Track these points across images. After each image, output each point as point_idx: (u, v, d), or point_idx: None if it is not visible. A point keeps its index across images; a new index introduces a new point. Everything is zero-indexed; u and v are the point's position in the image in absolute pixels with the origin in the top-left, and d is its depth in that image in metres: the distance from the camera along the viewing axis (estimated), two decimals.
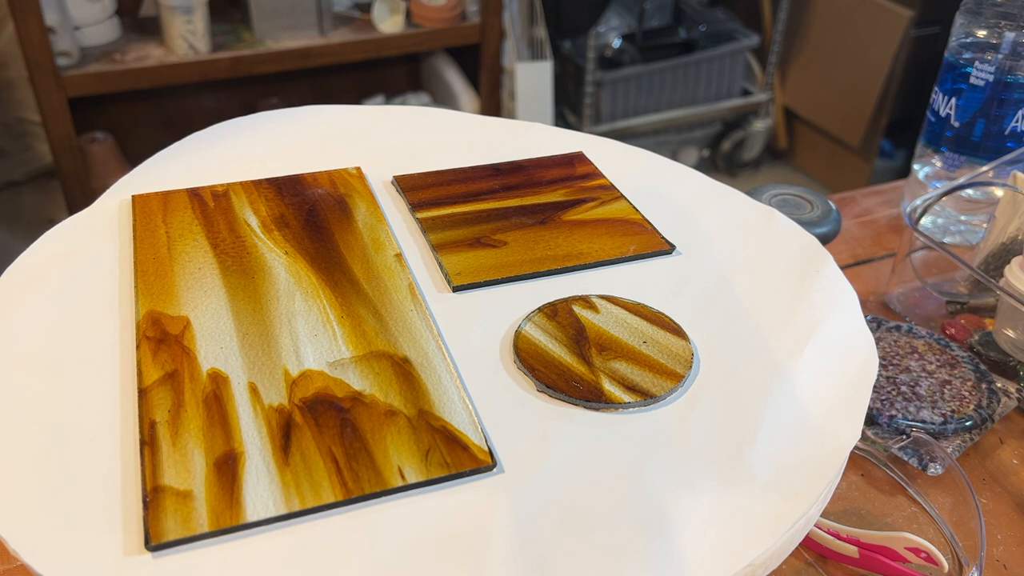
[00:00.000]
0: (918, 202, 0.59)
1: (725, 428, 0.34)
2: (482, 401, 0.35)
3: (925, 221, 0.70)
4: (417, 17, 1.66)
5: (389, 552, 0.29)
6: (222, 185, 0.48)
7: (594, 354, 0.37)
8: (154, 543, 0.28)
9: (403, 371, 0.36)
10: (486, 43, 1.70)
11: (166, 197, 0.46)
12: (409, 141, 0.54)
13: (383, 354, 0.37)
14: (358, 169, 0.50)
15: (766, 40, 2.12)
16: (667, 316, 0.40)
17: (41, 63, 1.38)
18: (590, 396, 0.35)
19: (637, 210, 0.48)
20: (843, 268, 0.69)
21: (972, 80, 0.65)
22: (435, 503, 0.31)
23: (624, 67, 1.95)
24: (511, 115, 1.90)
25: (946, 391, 0.53)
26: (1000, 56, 0.64)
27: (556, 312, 0.40)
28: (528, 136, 0.55)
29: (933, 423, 0.51)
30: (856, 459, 0.51)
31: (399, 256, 0.43)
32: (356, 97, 1.90)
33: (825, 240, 0.55)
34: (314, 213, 0.46)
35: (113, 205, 0.46)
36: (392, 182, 0.50)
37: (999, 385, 0.55)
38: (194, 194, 0.47)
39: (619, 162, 0.53)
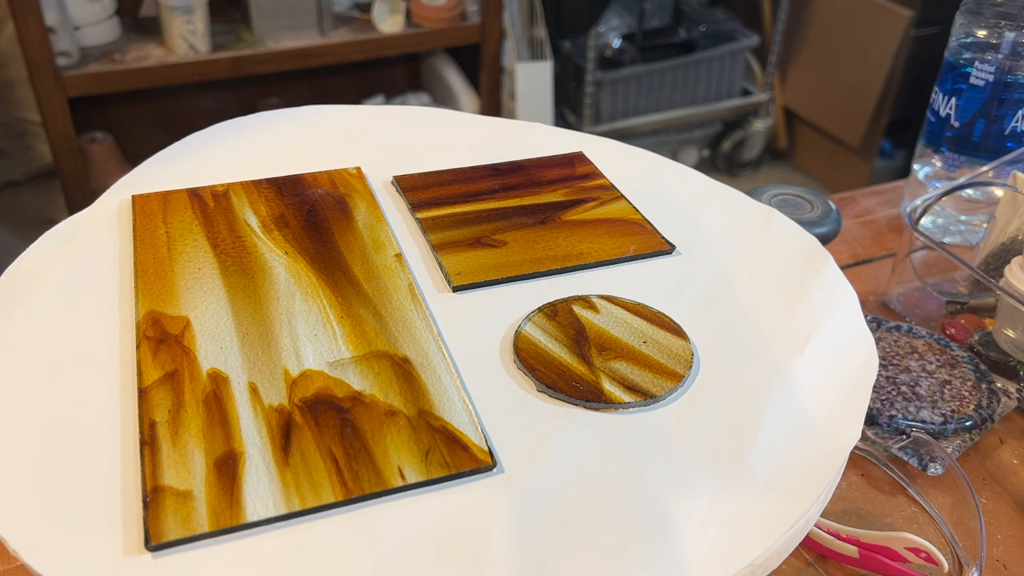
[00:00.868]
0: (918, 202, 0.59)
1: (725, 428, 0.34)
2: (482, 401, 0.35)
3: (925, 221, 0.70)
4: (417, 17, 1.66)
5: (389, 552, 0.29)
6: (222, 185, 0.48)
7: (594, 354, 0.37)
8: (154, 543, 0.28)
9: (403, 371, 0.36)
10: (486, 43, 1.70)
11: (166, 197, 0.46)
12: (409, 141, 0.54)
13: (383, 354, 0.37)
14: (358, 169, 0.50)
15: (766, 40, 2.12)
16: (667, 316, 0.40)
17: (41, 63, 1.38)
18: (590, 396, 0.35)
19: (637, 210, 0.48)
20: (843, 268, 0.69)
21: (972, 80, 0.65)
22: (435, 503, 0.31)
23: (624, 67, 1.95)
24: (511, 115, 1.90)
25: (946, 391, 0.53)
26: (1000, 56, 0.64)
27: (556, 312, 0.40)
28: (528, 136, 0.55)
29: (933, 423, 0.51)
30: (856, 459, 0.51)
31: (399, 256, 0.43)
32: (356, 97, 1.90)
33: (825, 240, 0.55)
34: (314, 213, 0.46)
35: (113, 205, 0.46)
36: (392, 182, 0.50)
37: (999, 385, 0.55)
38: (194, 194, 0.47)
39: (619, 162, 0.53)
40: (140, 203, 0.46)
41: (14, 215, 1.69)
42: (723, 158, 2.17)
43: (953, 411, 0.52)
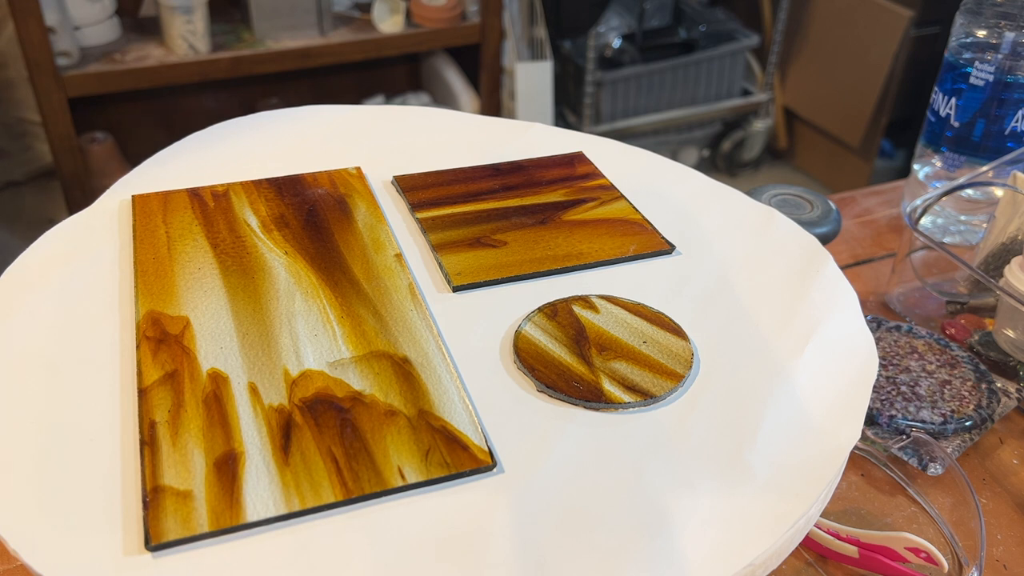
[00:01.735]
0: (918, 202, 0.59)
1: (725, 428, 0.34)
2: (482, 401, 0.35)
3: (925, 221, 0.70)
4: (417, 17, 1.66)
5: (389, 552, 0.29)
6: (222, 185, 0.48)
7: (594, 354, 0.37)
8: (154, 543, 0.28)
9: (403, 371, 0.36)
10: (486, 43, 1.70)
11: (166, 197, 0.46)
12: (409, 141, 0.54)
13: (383, 354, 0.37)
14: (358, 169, 0.50)
15: (766, 40, 2.12)
16: (667, 316, 0.40)
17: (41, 63, 1.38)
18: (590, 396, 0.35)
19: (637, 210, 0.48)
20: (843, 268, 0.69)
21: (972, 80, 0.65)
22: (435, 503, 0.31)
23: (624, 67, 1.95)
24: (511, 115, 1.90)
25: (946, 391, 0.53)
26: (1000, 56, 0.64)
27: (556, 312, 0.40)
28: (528, 136, 0.55)
29: (933, 423, 0.51)
30: (856, 459, 0.51)
31: (399, 256, 0.43)
32: (356, 97, 1.90)
33: (825, 240, 0.55)
34: (314, 213, 0.46)
35: (113, 205, 0.46)
36: (392, 182, 0.50)
37: (999, 385, 0.55)
38: (194, 194, 0.47)
39: (619, 162, 0.53)
40: (140, 203, 0.46)
41: (14, 215, 1.69)
42: (723, 158, 2.17)
43: (953, 411, 0.52)
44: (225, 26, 1.61)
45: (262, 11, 1.55)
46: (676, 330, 0.39)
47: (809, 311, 0.41)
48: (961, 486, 0.47)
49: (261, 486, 0.30)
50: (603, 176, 0.51)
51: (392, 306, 0.39)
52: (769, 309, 0.41)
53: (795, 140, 2.25)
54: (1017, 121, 0.65)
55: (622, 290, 0.42)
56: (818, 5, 2.04)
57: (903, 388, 0.54)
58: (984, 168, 0.62)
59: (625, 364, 0.37)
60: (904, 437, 0.50)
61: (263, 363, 0.36)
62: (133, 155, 1.71)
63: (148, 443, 0.32)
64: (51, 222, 1.64)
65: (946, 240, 0.70)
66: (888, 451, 0.50)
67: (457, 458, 0.32)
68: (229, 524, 0.29)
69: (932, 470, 0.48)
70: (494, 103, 1.78)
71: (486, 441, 0.33)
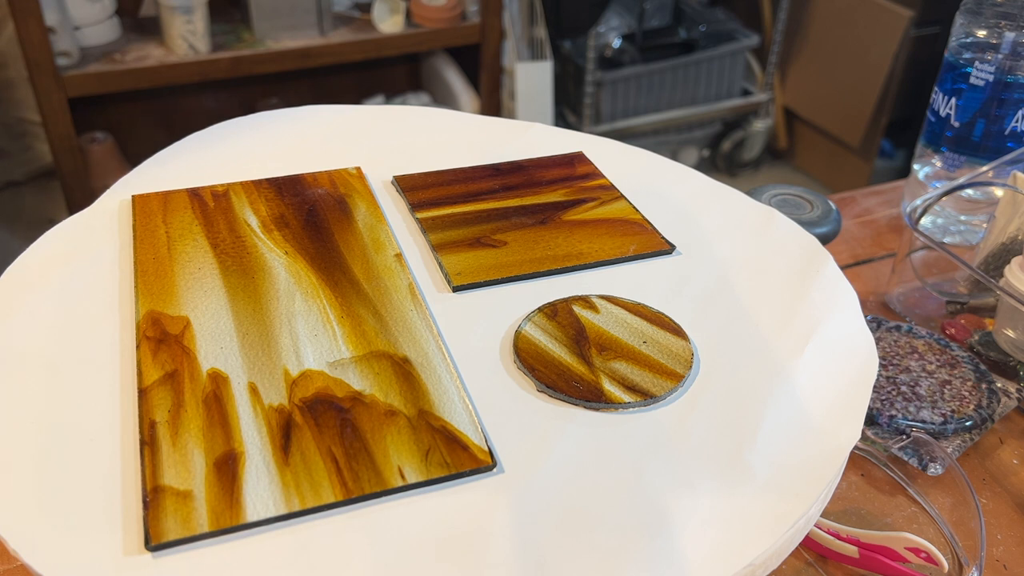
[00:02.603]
0: (918, 202, 0.59)
1: (725, 428, 0.34)
2: (482, 401, 0.35)
3: (925, 221, 0.70)
4: (417, 17, 1.66)
5: (389, 552, 0.29)
6: (222, 185, 0.48)
7: (594, 354, 0.37)
8: (154, 543, 0.28)
9: (403, 371, 0.36)
10: (486, 43, 1.70)
11: (166, 197, 0.46)
12: (409, 141, 0.54)
13: (383, 354, 0.37)
14: (358, 169, 0.50)
15: (766, 40, 2.12)
16: (667, 316, 0.40)
17: (41, 63, 1.38)
18: (590, 396, 0.35)
19: (637, 210, 0.48)
20: (843, 268, 0.69)
21: (972, 80, 0.65)
22: (435, 503, 0.31)
23: (624, 67, 1.95)
24: (511, 115, 1.90)
25: (946, 391, 0.53)
26: (1000, 56, 0.64)
27: (556, 312, 0.40)
28: (528, 136, 0.55)
29: (933, 423, 0.51)
30: (856, 459, 0.51)
31: (399, 256, 0.43)
32: (356, 97, 1.90)
33: (825, 240, 0.55)
34: (314, 213, 0.46)
35: (113, 205, 0.46)
36: (392, 182, 0.50)
37: (999, 385, 0.55)
38: (194, 194, 0.47)
39: (619, 162, 0.53)
40: (140, 203, 0.46)
41: (14, 215, 1.69)
42: (723, 158, 2.17)
43: (953, 411, 0.52)
44: (225, 26, 1.61)
45: (262, 11, 1.55)
46: (676, 330, 0.39)
47: (809, 311, 0.41)
48: (961, 486, 0.47)
49: (261, 486, 0.30)
50: (603, 176, 0.51)
51: (392, 306, 0.39)
52: (769, 309, 0.41)
53: (795, 140, 2.25)
54: (1017, 121, 0.65)
55: (622, 290, 0.42)
56: (818, 5, 2.04)
57: (903, 388, 0.54)
58: (984, 168, 0.62)
59: (625, 364, 0.37)
60: (904, 437, 0.50)
61: (263, 363, 0.36)
62: (133, 155, 1.71)
63: (148, 443, 0.32)
64: (51, 222, 1.64)
65: (946, 240, 0.70)
66: (888, 451, 0.50)
67: (457, 458, 0.32)
68: (229, 524, 0.29)
69: (932, 470, 0.48)
70: (494, 103, 1.78)
71: (486, 441, 0.33)
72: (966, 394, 0.53)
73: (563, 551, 0.29)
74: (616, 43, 1.98)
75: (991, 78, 0.64)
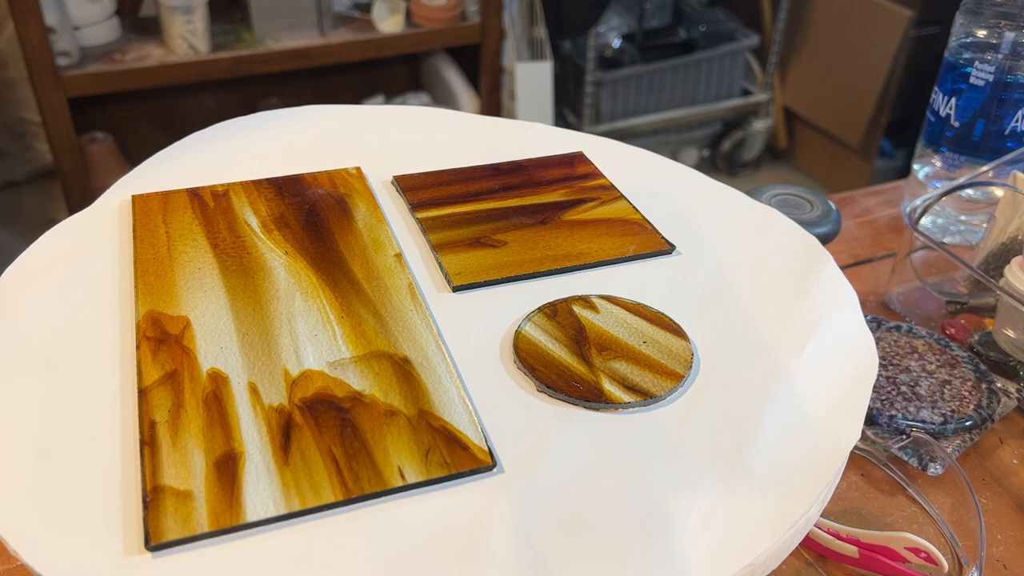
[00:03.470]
0: (918, 202, 0.59)
1: (725, 428, 0.34)
2: (482, 401, 0.35)
3: (925, 221, 0.70)
4: (417, 17, 1.66)
5: (389, 552, 0.29)
6: (222, 185, 0.48)
7: (594, 354, 0.37)
8: (154, 543, 0.28)
9: (403, 371, 0.36)
10: (486, 43, 1.70)
11: (166, 197, 0.46)
12: (409, 141, 0.54)
13: (383, 354, 0.37)
14: (358, 169, 0.50)
15: (766, 40, 2.12)
16: (667, 316, 0.40)
17: (41, 63, 1.38)
18: (590, 396, 0.35)
19: (637, 210, 0.48)
20: (843, 268, 0.69)
21: (972, 80, 0.65)
22: (435, 503, 0.31)
23: (624, 67, 1.95)
24: (511, 115, 1.90)
25: (946, 391, 0.53)
26: (1000, 56, 0.64)
27: (556, 312, 0.40)
28: (528, 136, 0.55)
29: (933, 423, 0.51)
30: (856, 459, 0.51)
31: (399, 256, 0.43)
32: (356, 97, 1.90)
33: (825, 240, 0.55)
34: (314, 213, 0.46)
35: (113, 205, 0.46)
36: (392, 182, 0.50)
37: (999, 385, 0.55)
38: (194, 194, 0.47)
39: (619, 162, 0.53)
40: (140, 203, 0.46)
41: (14, 215, 1.69)
42: (723, 158, 2.17)
43: (953, 411, 0.52)
44: (225, 26, 1.61)
45: (262, 11, 1.55)
46: (676, 330, 0.39)
47: (809, 311, 0.41)
48: (961, 486, 0.47)
49: (261, 486, 0.30)
50: (603, 176, 0.51)
51: (392, 306, 0.39)
52: (769, 309, 0.41)
53: (795, 140, 2.25)
54: (1017, 121, 0.65)
55: (622, 290, 0.42)
56: (818, 5, 2.04)
57: (903, 388, 0.54)
58: (984, 168, 0.62)
59: (625, 364, 0.37)
60: (904, 437, 0.50)
61: (263, 363, 0.36)
62: (133, 155, 1.71)
63: (148, 443, 0.32)
64: (51, 222, 1.64)
65: (946, 240, 0.70)
66: (888, 451, 0.50)
67: (457, 458, 0.32)
68: (229, 524, 0.29)
69: (932, 470, 0.48)
70: (494, 103, 1.78)
71: (486, 441, 0.33)
72: (966, 394, 0.53)
73: (563, 551, 0.29)
74: (616, 43, 1.98)
75: (991, 78, 0.64)
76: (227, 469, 0.31)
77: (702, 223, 0.47)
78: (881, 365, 0.55)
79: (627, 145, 0.54)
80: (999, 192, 0.62)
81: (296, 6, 1.57)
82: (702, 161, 2.19)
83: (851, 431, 0.34)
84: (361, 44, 1.61)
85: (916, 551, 0.43)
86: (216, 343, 0.37)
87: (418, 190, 0.48)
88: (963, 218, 0.70)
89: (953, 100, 0.67)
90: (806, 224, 0.55)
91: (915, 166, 0.72)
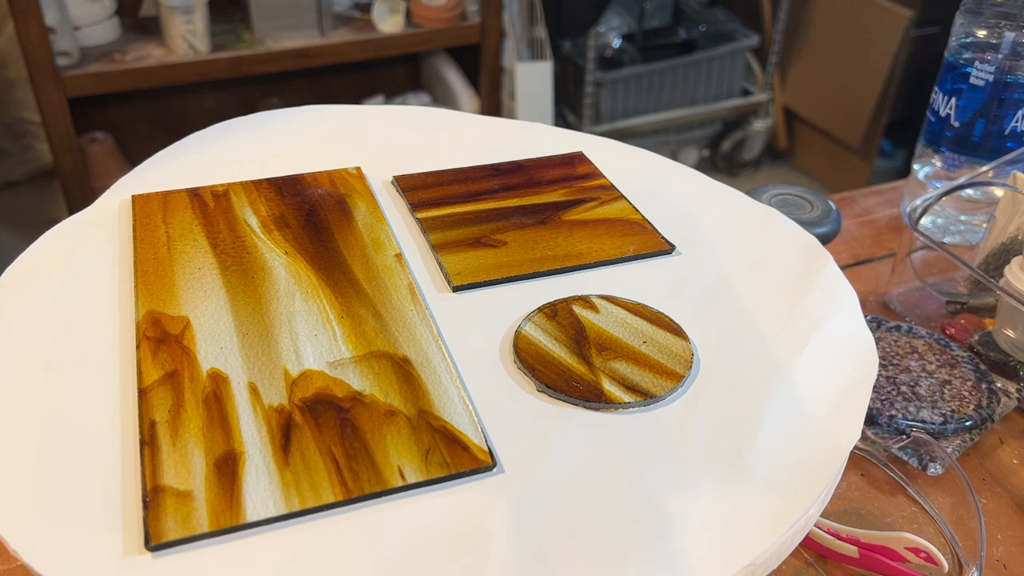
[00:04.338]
0: (918, 202, 0.59)
1: (725, 428, 0.34)
2: (482, 401, 0.35)
3: (925, 221, 0.70)
4: (417, 17, 1.66)
5: (389, 552, 0.29)
6: (222, 185, 0.48)
7: (594, 354, 0.37)
8: (154, 543, 0.28)
9: (403, 371, 0.36)
10: (486, 43, 1.70)
11: (166, 197, 0.46)
12: (409, 141, 0.54)
13: (383, 354, 0.37)
14: (358, 169, 0.50)
15: (766, 40, 2.12)
16: (667, 316, 0.40)
17: (41, 63, 1.38)
18: (590, 396, 0.35)
19: (637, 210, 0.48)
20: (843, 268, 0.69)
21: (972, 80, 0.65)
22: (435, 503, 0.31)
23: (624, 67, 1.95)
24: (511, 115, 1.90)
25: (946, 391, 0.53)
26: (1000, 56, 0.64)
27: (556, 312, 0.40)
28: (528, 136, 0.55)
29: (933, 423, 0.51)
30: (856, 459, 0.51)
31: (399, 256, 0.43)
32: (356, 97, 1.90)
33: (825, 240, 0.55)
34: (314, 213, 0.46)
35: (113, 205, 0.46)
36: (392, 182, 0.50)
37: (999, 385, 0.55)
38: (194, 194, 0.47)
39: (619, 162, 0.53)
40: (140, 203, 0.46)
41: (14, 215, 1.69)
42: (723, 158, 2.17)
43: (953, 411, 0.52)
44: (225, 26, 1.61)
45: (262, 11, 1.55)
46: (676, 330, 0.39)
47: (809, 311, 0.41)
48: (961, 486, 0.47)
49: (261, 486, 0.30)
50: (603, 176, 0.51)
51: (392, 306, 0.39)
52: (769, 309, 0.41)
53: (795, 140, 2.25)
54: (1017, 121, 0.65)
55: (622, 290, 0.42)
56: (818, 5, 2.04)
57: (903, 388, 0.54)
58: (984, 168, 0.62)
59: (625, 364, 0.37)
60: (904, 437, 0.50)
61: (263, 363, 0.36)
62: (133, 155, 1.71)
63: (148, 443, 0.32)
64: (51, 222, 1.63)
65: (946, 240, 0.70)
66: (888, 451, 0.50)
67: (457, 458, 0.32)
68: (229, 524, 0.29)
69: (932, 470, 0.48)
70: (494, 103, 1.78)
71: (486, 441, 0.33)
72: (966, 394, 0.53)
73: (563, 551, 0.29)
74: (616, 43, 1.98)
75: (991, 78, 0.64)
76: (227, 469, 0.31)
77: (702, 223, 0.47)
78: (881, 365, 0.56)
79: (627, 145, 0.54)
80: (999, 192, 0.62)
81: (296, 6, 1.57)
82: (702, 161, 2.19)
83: (851, 431, 0.34)
84: (361, 44, 1.61)
85: (916, 551, 0.43)
86: (216, 343, 0.37)
87: (418, 190, 0.48)
88: (963, 218, 0.70)
89: (953, 100, 0.67)
90: (806, 224, 0.55)
91: (915, 166, 0.72)
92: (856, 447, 0.51)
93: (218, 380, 0.35)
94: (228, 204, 0.46)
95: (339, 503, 0.30)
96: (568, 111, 2.05)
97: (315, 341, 0.37)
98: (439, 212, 0.47)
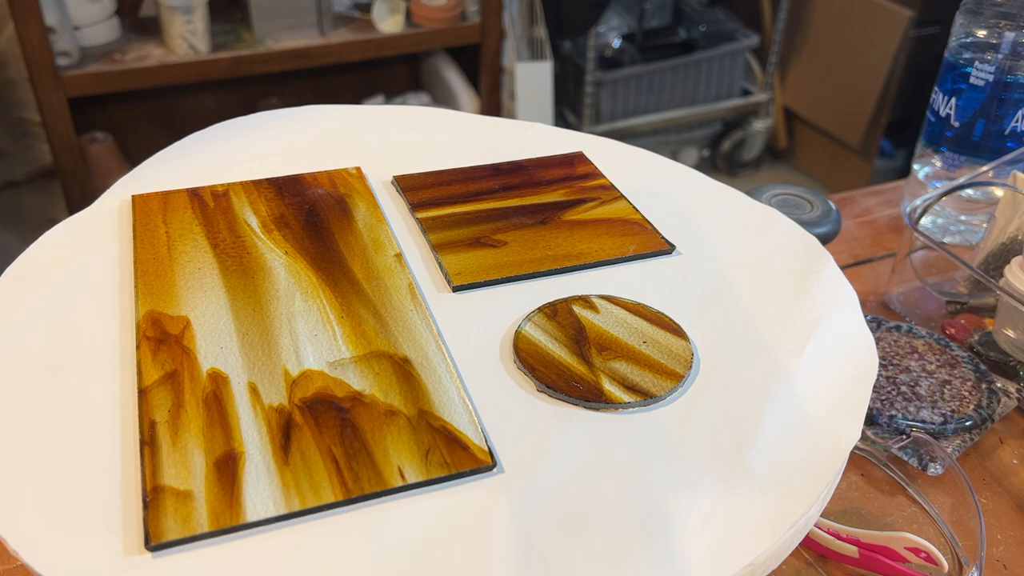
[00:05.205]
0: (918, 202, 0.59)
1: (725, 428, 0.34)
2: (482, 401, 0.35)
3: (925, 221, 0.70)
4: (417, 17, 1.66)
5: (389, 552, 0.29)
6: (222, 185, 0.48)
7: (594, 354, 0.37)
8: (154, 543, 0.28)
9: (403, 371, 0.36)
10: (486, 43, 1.70)
11: (166, 197, 0.46)
12: (409, 141, 0.54)
13: (383, 354, 0.37)
14: (358, 169, 0.50)
15: (766, 40, 2.12)
16: (667, 316, 0.40)
17: (41, 63, 1.38)
18: (590, 396, 0.35)
19: (637, 210, 0.48)
20: (843, 268, 0.69)
21: (972, 80, 0.65)
22: (435, 503, 0.31)
23: (624, 67, 1.95)
24: (511, 115, 1.90)
25: (946, 391, 0.53)
26: (1000, 56, 0.64)
27: (556, 312, 0.40)
28: (528, 136, 0.55)
29: (933, 423, 0.51)
30: (856, 459, 0.51)
31: (399, 256, 0.43)
32: (356, 97, 1.90)
33: (825, 240, 0.55)
34: (314, 213, 0.46)
35: (113, 205, 0.46)
36: (392, 182, 0.50)
37: (999, 385, 0.55)
38: (194, 194, 0.47)
39: (619, 162, 0.53)
40: (140, 203, 0.46)
41: (14, 215, 1.69)
42: (723, 158, 2.17)
43: (953, 411, 0.52)
44: (225, 26, 1.61)
45: (262, 11, 1.55)
46: (676, 330, 0.39)
47: (809, 311, 0.41)
48: (961, 486, 0.47)
49: (261, 486, 0.30)
50: (603, 176, 0.51)
51: (392, 306, 0.39)
52: (769, 309, 0.41)
53: (795, 140, 2.25)
54: (1017, 121, 0.65)
55: (622, 290, 0.42)
56: (818, 5, 2.04)
57: (903, 388, 0.54)
58: (984, 168, 0.62)
59: (625, 364, 0.37)
60: (904, 437, 0.50)
61: (263, 363, 0.36)
62: (133, 155, 1.71)
63: (148, 443, 0.32)
64: (51, 222, 1.63)
65: (946, 240, 0.70)
66: (888, 451, 0.50)
67: (457, 458, 0.32)
68: (229, 524, 0.29)
69: (932, 470, 0.48)
70: (494, 103, 1.78)
71: (486, 441, 0.33)
72: (966, 394, 0.53)
73: (563, 551, 0.29)
74: (616, 43, 1.98)
75: (991, 78, 0.64)
76: (227, 469, 0.31)
77: (702, 223, 0.47)
78: (881, 365, 0.55)
79: (627, 145, 0.54)
80: (999, 192, 0.62)
81: (296, 6, 1.57)
82: (702, 161, 2.19)
83: (851, 431, 0.34)
84: (361, 44, 1.61)
85: (916, 551, 0.43)
86: (216, 343, 0.37)
87: (418, 190, 0.48)
88: (963, 218, 0.70)
89: (953, 100, 0.67)
90: (806, 224, 0.55)
91: (915, 166, 0.72)
92: (856, 447, 0.51)
93: (218, 380, 0.35)
94: (228, 204, 0.46)
95: (339, 503, 0.30)
96: (568, 111, 2.05)
97: (315, 341, 0.37)
98: (439, 212, 0.47)
